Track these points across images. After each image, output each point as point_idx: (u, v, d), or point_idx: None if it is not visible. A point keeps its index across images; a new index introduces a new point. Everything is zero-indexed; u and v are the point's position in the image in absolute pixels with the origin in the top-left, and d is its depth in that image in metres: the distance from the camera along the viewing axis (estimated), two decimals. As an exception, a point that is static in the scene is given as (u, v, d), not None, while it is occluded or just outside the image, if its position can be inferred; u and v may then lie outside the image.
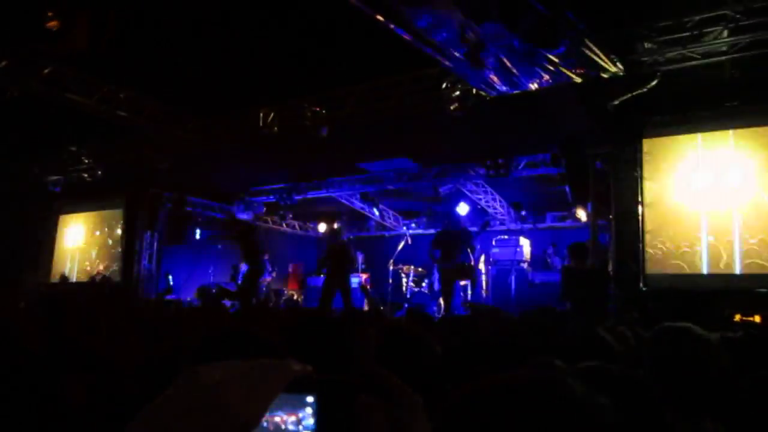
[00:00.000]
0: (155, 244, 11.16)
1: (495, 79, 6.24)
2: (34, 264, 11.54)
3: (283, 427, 0.58)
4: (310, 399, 0.58)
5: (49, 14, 5.09)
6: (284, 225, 13.98)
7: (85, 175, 9.79)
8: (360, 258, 11.53)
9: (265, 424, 0.57)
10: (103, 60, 6.72)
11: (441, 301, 9.12)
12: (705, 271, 6.43)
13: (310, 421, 0.58)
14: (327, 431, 0.58)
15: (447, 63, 5.93)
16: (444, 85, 6.77)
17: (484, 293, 10.52)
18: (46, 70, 6.92)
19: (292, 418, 0.58)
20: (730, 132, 6.48)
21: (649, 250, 6.69)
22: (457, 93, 6.76)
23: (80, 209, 11.71)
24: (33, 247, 11.62)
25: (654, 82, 5.79)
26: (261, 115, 8.01)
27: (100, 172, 9.73)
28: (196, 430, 0.50)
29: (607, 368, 1.85)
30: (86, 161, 9.64)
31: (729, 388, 1.99)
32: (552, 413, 0.90)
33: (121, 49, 6.25)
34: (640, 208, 6.78)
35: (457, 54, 5.73)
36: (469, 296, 9.09)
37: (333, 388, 0.59)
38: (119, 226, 11.18)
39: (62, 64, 6.92)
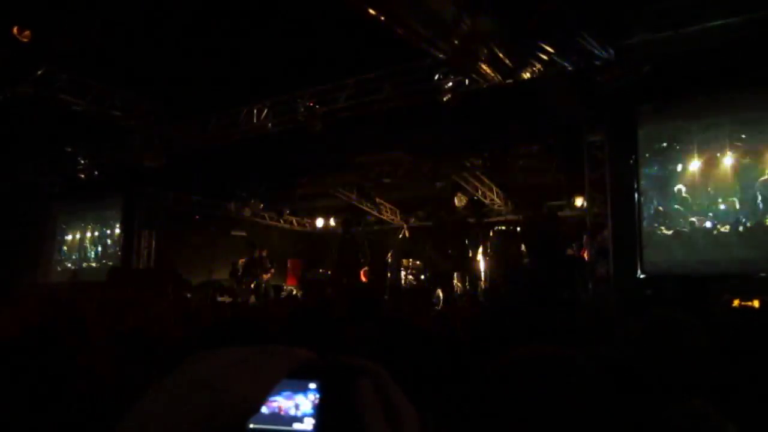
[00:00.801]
0: (153, 243, 11.18)
1: (488, 69, 6.23)
2: (34, 264, 11.56)
3: (282, 413, 0.59)
4: (312, 385, 0.59)
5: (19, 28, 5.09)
6: (282, 221, 13.99)
7: (82, 176, 9.78)
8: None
9: (264, 410, 0.57)
10: (96, 60, 6.72)
11: (439, 292, 9.14)
12: (703, 256, 6.44)
13: (310, 407, 0.58)
14: (328, 417, 0.58)
15: (440, 55, 5.92)
16: (436, 77, 6.75)
17: (482, 284, 10.53)
18: (39, 72, 6.90)
19: (291, 403, 0.58)
20: (727, 117, 6.47)
21: (646, 236, 6.70)
22: (450, 84, 6.74)
23: (78, 209, 11.72)
24: (32, 247, 11.63)
25: (647, 68, 5.78)
26: (255, 111, 8.00)
27: (96, 172, 9.73)
28: (197, 413, 0.50)
29: (599, 352, 1.86)
30: (82, 161, 9.64)
31: (716, 370, 2.01)
32: (569, 384, 0.97)
33: (113, 48, 6.24)
34: (636, 195, 6.79)
35: (449, 46, 5.72)
36: (467, 287, 9.10)
37: (335, 373, 0.60)
38: (117, 225, 11.19)
39: (55, 66, 6.90)
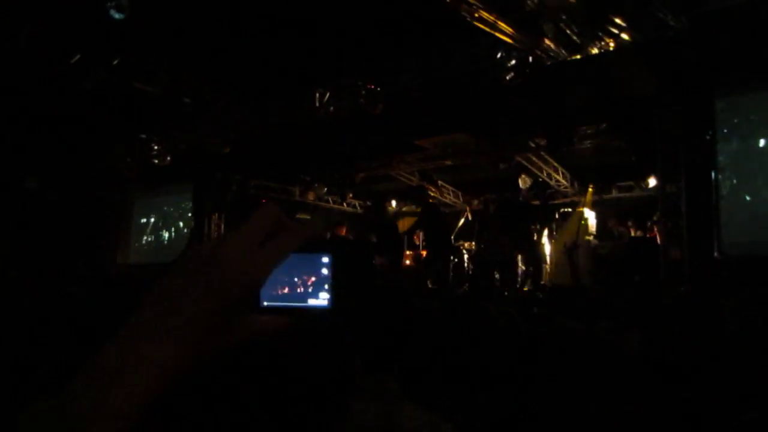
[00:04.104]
0: (222, 226, 11.58)
1: (553, 46, 6.03)
2: (112, 248, 12.24)
3: (300, 290, 0.61)
4: (325, 259, 0.62)
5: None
6: (345, 204, 14.16)
7: (156, 161, 10.23)
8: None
9: (287, 281, 0.61)
10: (164, 49, 6.99)
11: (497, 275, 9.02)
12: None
13: (325, 283, 0.61)
14: (342, 290, 0.61)
15: (505, 32, 5.77)
16: (499, 55, 6.60)
17: (547, 267, 10.32)
18: (114, 62, 7.25)
19: (307, 278, 0.61)
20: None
21: (723, 216, 6.35)
22: (513, 62, 6.58)
23: (152, 193, 12.29)
24: (110, 231, 12.31)
25: (725, 38, 5.43)
26: (316, 95, 8.09)
27: (169, 158, 10.15)
28: (209, 287, 0.54)
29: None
30: (156, 148, 10.07)
31: None
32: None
33: (181, 37, 6.48)
34: (713, 172, 6.43)
35: (515, 23, 5.58)
36: (529, 270, 8.94)
37: (344, 246, 0.63)
38: (189, 209, 11.67)
39: (129, 55, 7.23)
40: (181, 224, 11.87)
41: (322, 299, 0.61)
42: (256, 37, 6.40)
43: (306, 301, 0.61)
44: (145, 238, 12.46)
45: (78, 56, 6.93)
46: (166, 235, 12.08)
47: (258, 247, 0.56)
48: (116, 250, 12.26)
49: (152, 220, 12.42)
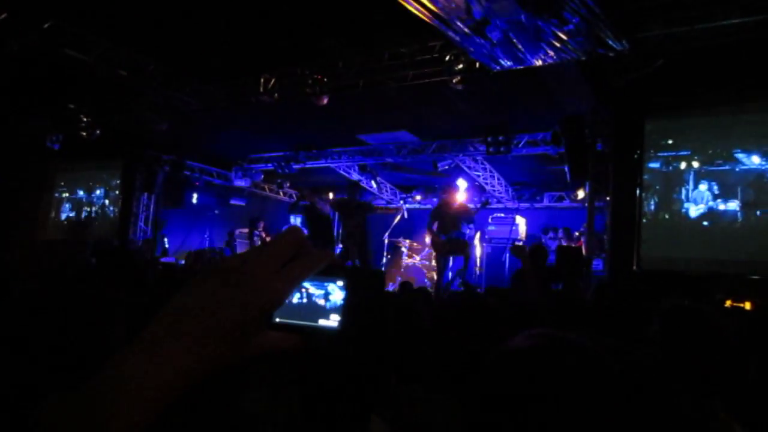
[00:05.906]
0: (152, 207, 11.16)
1: (499, 53, 6.17)
2: (33, 222, 11.53)
3: (309, 308, 0.64)
4: (340, 283, 0.65)
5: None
6: (281, 194, 13.96)
7: (84, 134, 9.69)
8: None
9: (299, 300, 0.64)
10: (104, 18, 6.64)
11: (433, 274, 9.18)
12: (699, 255, 6.47)
13: (337, 303, 0.64)
14: (353, 313, 0.64)
15: (454, 36, 5.85)
16: (447, 58, 6.69)
17: (477, 270, 10.59)
18: (45, 25, 6.81)
19: (321, 293, 0.65)
20: (735, 116, 6.46)
21: (644, 231, 6.72)
22: (460, 66, 6.69)
23: (78, 168, 11.66)
24: (31, 204, 11.59)
25: (659, 62, 5.74)
26: (261, 80, 7.92)
27: (98, 132, 9.64)
28: (223, 301, 0.55)
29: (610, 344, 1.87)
30: (85, 119, 9.54)
31: (739, 369, 2.00)
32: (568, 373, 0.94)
33: (123, 8, 6.17)
34: (638, 190, 6.79)
35: (463, 27, 5.66)
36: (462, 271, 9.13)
37: (359, 273, 0.66)
38: (117, 187, 11.15)
39: (62, 19, 6.81)
40: (107, 202, 11.32)
41: (333, 321, 0.64)
42: (203, 16, 6.19)
43: (316, 321, 0.64)
44: (65, 213, 11.81)
45: (4, 15, 6.47)
46: (91, 213, 11.49)
47: (279, 269, 0.58)
48: (36, 226, 11.56)
49: (76, 195, 11.78)
